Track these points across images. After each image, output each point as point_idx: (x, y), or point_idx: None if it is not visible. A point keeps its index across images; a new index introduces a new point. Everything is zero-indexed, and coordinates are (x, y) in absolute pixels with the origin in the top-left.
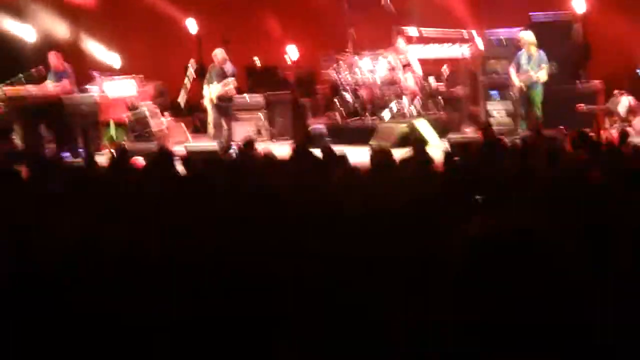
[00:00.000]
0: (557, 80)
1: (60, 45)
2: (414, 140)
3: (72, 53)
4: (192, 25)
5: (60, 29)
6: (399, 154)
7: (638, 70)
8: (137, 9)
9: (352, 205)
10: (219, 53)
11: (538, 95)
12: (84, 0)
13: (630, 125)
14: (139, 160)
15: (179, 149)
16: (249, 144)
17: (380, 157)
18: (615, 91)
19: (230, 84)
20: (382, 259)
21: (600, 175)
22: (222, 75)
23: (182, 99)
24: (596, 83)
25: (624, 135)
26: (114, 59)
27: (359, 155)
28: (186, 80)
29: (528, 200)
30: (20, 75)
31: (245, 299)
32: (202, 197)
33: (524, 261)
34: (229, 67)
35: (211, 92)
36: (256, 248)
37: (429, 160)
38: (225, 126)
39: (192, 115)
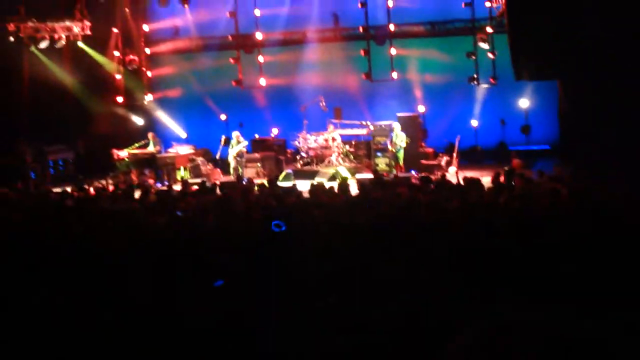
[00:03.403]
0: (411, 147)
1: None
2: (342, 179)
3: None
4: (223, 117)
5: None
6: (330, 184)
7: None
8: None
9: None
10: (238, 135)
11: (401, 155)
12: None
13: (447, 172)
14: (193, 186)
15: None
16: (272, 180)
17: (318, 187)
18: (439, 154)
19: (242, 147)
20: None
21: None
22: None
23: (218, 156)
24: (430, 149)
25: (443, 177)
26: (183, 133)
27: (308, 185)
28: (220, 146)
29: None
30: (136, 144)
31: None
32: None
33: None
34: (242, 140)
35: (232, 152)
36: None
37: (347, 187)
38: (240, 170)
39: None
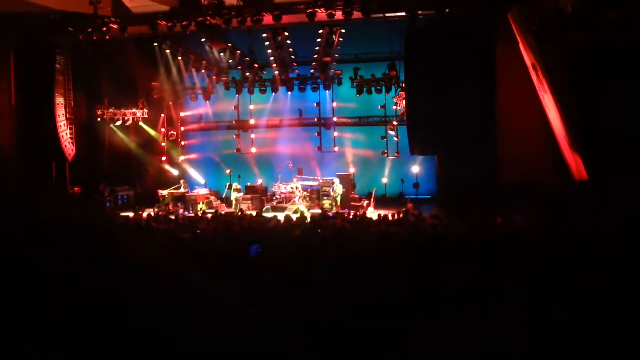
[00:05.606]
0: (345, 194)
1: (183, 175)
2: (301, 213)
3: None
4: (228, 172)
5: (183, 171)
6: (295, 216)
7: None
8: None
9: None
10: (237, 185)
11: (339, 199)
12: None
13: (367, 210)
14: (208, 215)
15: (224, 212)
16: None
17: (288, 218)
18: (363, 199)
19: (240, 194)
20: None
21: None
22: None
23: (225, 195)
24: (357, 196)
25: (364, 215)
26: (202, 180)
27: (282, 216)
28: (226, 190)
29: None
30: (173, 187)
31: None
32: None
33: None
34: (240, 189)
35: (234, 196)
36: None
37: (305, 219)
38: (239, 205)
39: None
